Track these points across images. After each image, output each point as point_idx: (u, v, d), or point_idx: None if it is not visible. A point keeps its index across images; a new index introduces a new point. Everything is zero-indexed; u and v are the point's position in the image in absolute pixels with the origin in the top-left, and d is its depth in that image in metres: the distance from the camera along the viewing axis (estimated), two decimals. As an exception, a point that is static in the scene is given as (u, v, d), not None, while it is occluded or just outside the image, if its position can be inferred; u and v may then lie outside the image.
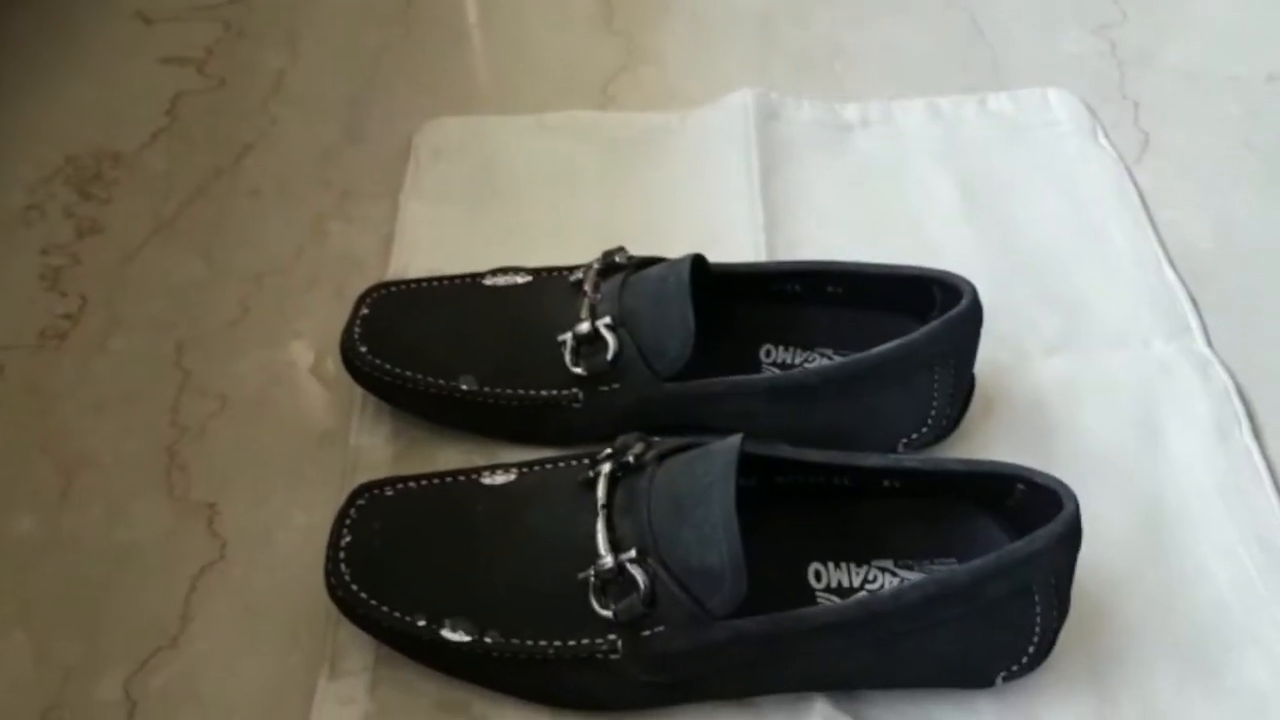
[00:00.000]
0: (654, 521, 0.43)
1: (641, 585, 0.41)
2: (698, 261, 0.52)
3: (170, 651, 0.47)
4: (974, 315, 0.50)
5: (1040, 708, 0.45)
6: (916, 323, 0.52)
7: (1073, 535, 0.43)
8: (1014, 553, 0.43)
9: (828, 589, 0.47)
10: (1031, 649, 0.44)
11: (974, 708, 0.46)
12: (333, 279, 0.60)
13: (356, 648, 0.46)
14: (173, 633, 0.47)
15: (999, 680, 0.45)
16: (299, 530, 0.50)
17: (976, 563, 0.42)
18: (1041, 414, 0.55)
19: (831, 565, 0.46)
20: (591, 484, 0.45)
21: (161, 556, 0.49)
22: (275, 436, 0.54)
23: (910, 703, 0.46)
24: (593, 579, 0.42)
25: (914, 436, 0.51)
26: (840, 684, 0.45)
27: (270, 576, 0.49)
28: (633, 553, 0.42)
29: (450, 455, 0.53)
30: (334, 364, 0.55)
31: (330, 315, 0.55)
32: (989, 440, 0.53)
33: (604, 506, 0.44)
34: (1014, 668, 0.45)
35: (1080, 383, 0.56)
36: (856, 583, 0.46)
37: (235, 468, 0.52)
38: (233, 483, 0.52)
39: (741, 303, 0.55)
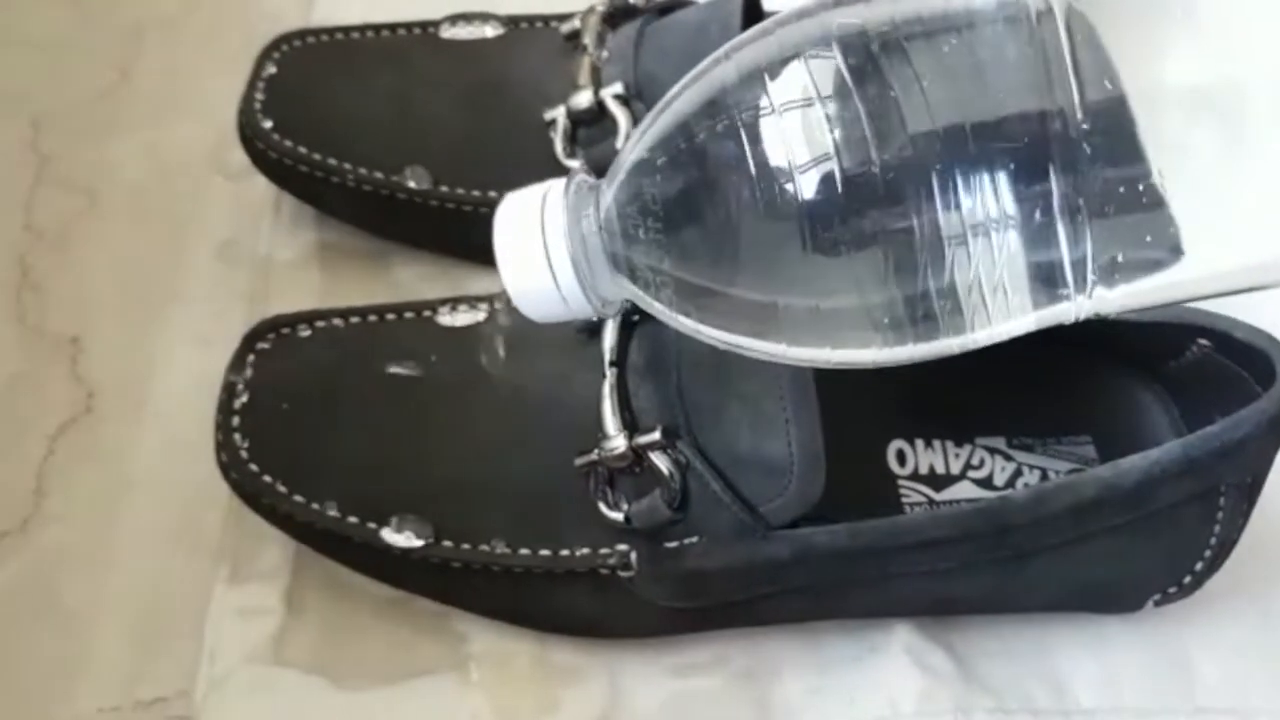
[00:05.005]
0: (686, 388, 0.34)
1: (667, 479, 0.33)
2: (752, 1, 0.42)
3: (17, 539, 0.40)
4: None
5: (1188, 636, 0.37)
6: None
7: None
8: (1207, 442, 0.32)
9: (915, 476, 0.38)
10: (1200, 565, 0.36)
11: (1103, 636, 0.37)
12: (241, 33, 0.51)
13: (269, 539, 0.39)
14: (22, 513, 0.41)
15: (1150, 604, 0.37)
16: (191, 376, 0.43)
17: (1153, 454, 0.32)
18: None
19: (921, 444, 0.38)
20: (595, 331, 0.36)
21: (7, 408, 0.43)
22: (160, 247, 0.47)
23: (1019, 627, 0.38)
24: (597, 467, 0.35)
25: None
26: (937, 610, 0.37)
27: (154, 438, 0.42)
28: (656, 434, 0.34)
29: (400, 279, 0.45)
30: (241, 148, 0.47)
31: (237, 83, 0.47)
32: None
33: (613, 364, 0.35)
34: (1172, 589, 0.36)
35: None
36: (956, 469, 0.38)
37: (107, 288, 0.46)
38: (103, 309, 0.46)
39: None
